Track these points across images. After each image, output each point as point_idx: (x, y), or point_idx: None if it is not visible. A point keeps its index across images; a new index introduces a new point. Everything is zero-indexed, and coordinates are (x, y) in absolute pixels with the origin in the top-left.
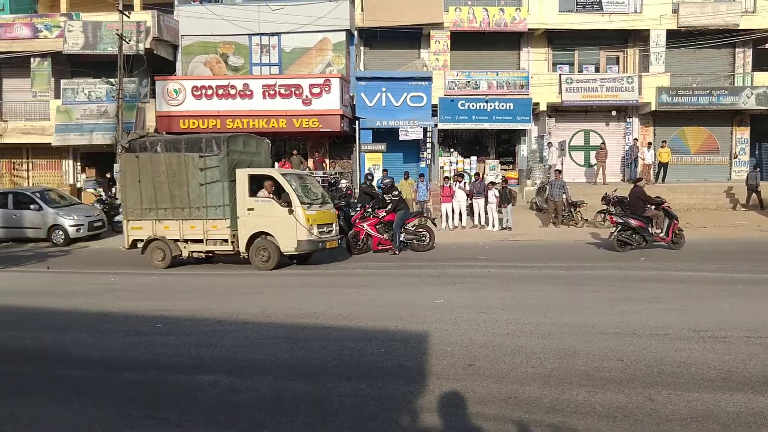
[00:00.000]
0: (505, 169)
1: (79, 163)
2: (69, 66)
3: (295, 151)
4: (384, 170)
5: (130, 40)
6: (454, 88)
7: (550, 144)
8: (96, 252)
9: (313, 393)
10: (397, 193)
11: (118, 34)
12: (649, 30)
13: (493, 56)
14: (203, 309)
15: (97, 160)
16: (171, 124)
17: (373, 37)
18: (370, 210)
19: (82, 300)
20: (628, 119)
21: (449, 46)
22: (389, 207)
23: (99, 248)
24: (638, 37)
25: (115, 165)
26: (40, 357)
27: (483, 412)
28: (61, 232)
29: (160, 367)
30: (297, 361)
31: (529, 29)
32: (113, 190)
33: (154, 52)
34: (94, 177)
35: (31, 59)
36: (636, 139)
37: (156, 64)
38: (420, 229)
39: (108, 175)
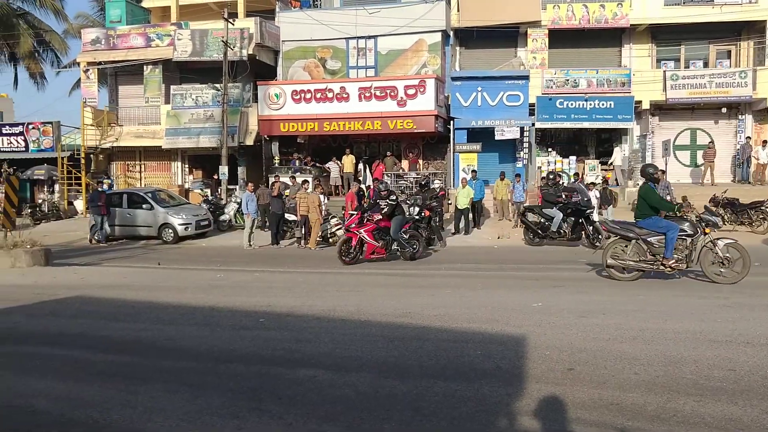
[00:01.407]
0: (606, 170)
1: (186, 165)
2: (178, 73)
3: (389, 153)
4: (473, 171)
5: (234, 47)
6: (552, 87)
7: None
8: (202, 249)
9: (409, 391)
10: (394, 198)
11: (223, 41)
12: (765, 21)
13: (593, 53)
14: (302, 305)
15: (204, 162)
16: (272, 127)
17: (469, 37)
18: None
19: (190, 295)
20: (740, 116)
21: (547, 44)
22: (385, 211)
23: (205, 246)
24: (753, 29)
25: (220, 167)
26: (152, 348)
27: (583, 417)
28: (170, 231)
29: (263, 360)
30: (394, 359)
31: (631, 25)
32: (219, 190)
33: (257, 58)
34: (201, 178)
35: (144, 67)
36: (749, 138)
37: (258, 70)
38: (412, 239)
39: (214, 177)
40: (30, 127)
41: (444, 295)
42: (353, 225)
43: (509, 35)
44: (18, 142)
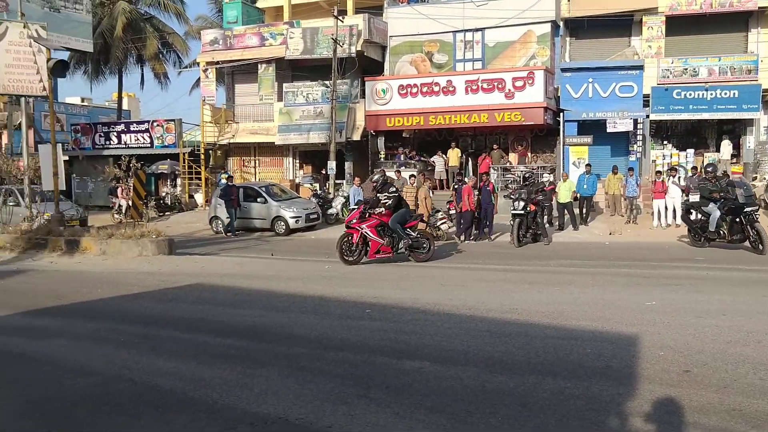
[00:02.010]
0: (734, 163)
1: (297, 160)
2: (290, 71)
3: (495, 146)
4: (587, 165)
5: (343, 44)
6: (668, 77)
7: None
8: (312, 242)
9: (516, 387)
10: (394, 189)
11: (332, 39)
12: None
13: (715, 40)
14: (408, 298)
15: (313, 157)
16: (378, 122)
17: (580, 27)
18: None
19: (301, 284)
20: None
21: (663, 32)
22: (389, 204)
23: (314, 238)
24: None
25: (328, 162)
26: (267, 334)
27: (702, 422)
28: (282, 223)
29: (370, 350)
30: (500, 354)
31: (759, 8)
32: (327, 185)
33: (365, 54)
34: (310, 173)
35: (259, 65)
36: None
37: (365, 66)
38: (419, 237)
39: (323, 172)
40: (155, 124)
41: (552, 291)
42: (354, 221)
43: (623, 24)
44: (144, 139)
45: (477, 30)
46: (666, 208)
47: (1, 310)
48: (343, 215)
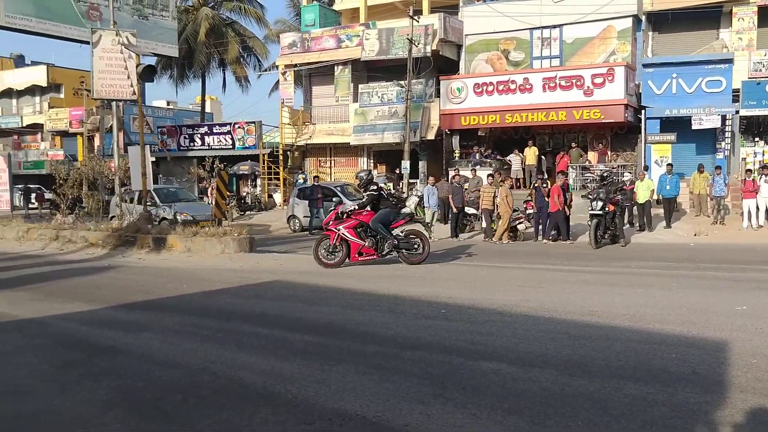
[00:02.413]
0: None
1: (371, 160)
2: (365, 71)
3: (574, 144)
4: (668, 165)
5: (418, 44)
6: (760, 70)
7: None
8: None
9: (597, 391)
10: (375, 188)
11: (408, 39)
12: None
13: None
14: (484, 299)
15: (387, 157)
16: (453, 121)
17: (663, 21)
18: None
19: (375, 283)
20: None
21: (756, 23)
22: (362, 202)
23: None
24: None
25: (402, 162)
26: (343, 331)
27: None
28: None
29: (446, 350)
30: (579, 358)
31: None
32: (401, 184)
33: (440, 53)
34: (384, 172)
35: (335, 67)
36: None
37: (441, 65)
38: (411, 236)
39: (396, 171)
40: (236, 126)
41: (634, 294)
42: (330, 222)
43: (710, 15)
44: (226, 140)
45: (555, 27)
46: (757, 208)
47: (93, 304)
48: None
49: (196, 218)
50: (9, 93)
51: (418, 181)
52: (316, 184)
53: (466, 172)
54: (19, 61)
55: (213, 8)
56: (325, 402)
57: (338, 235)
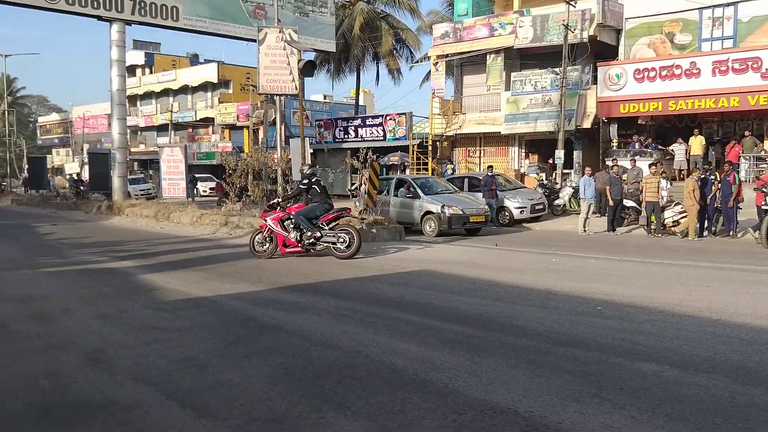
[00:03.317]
0: None
1: (523, 150)
2: (518, 60)
3: (747, 132)
4: None
5: (574, 29)
6: None
7: None
8: (537, 233)
9: None
10: (306, 181)
11: (563, 25)
12: None
13: None
14: (643, 297)
15: (539, 146)
16: (611, 109)
17: None
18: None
19: (526, 276)
20: None
21: None
22: (288, 194)
23: (539, 230)
24: None
25: (556, 151)
26: (492, 323)
27: None
28: (506, 213)
29: (602, 348)
30: (754, 365)
31: None
32: (553, 175)
33: (597, 39)
34: (536, 162)
35: (487, 56)
36: None
37: (598, 51)
38: (341, 231)
39: (549, 161)
40: (387, 118)
41: None
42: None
43: None
44: (377, 132)
45: (728, 4)
46: None
47: (258, 285)
48: (571, 206)
49: (466, 212)
50: (185, 89)
51: (572, 171)
52: (489, 174)
53: (625, 163)
54: (194, 60)
55: (368, 2)
56: (476, 393)
57: (266, 226)
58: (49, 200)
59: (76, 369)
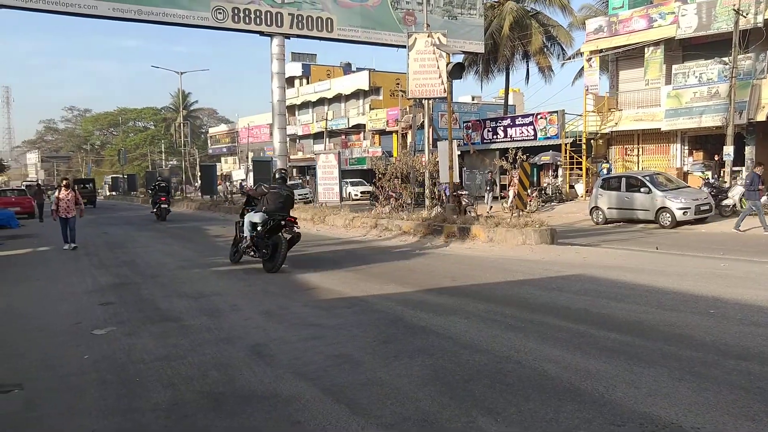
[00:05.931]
0: None
1: (686, 147)
2: (680, 51)
3: None
4: None
5: (747, 14)
6: None
7: None
8: (702, 235)
9: None
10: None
11: (734, 10)
12: None
13: None
14: None
15: (705, 142)
16: None
17: None
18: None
19: (690, 282)
20: None
21: None
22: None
23: (705, 232)
24: None
25: (724, 147)
26: (653, 332)
27: None
28: (667, 215)
29: None
30: None
31: None
32: (721, 172)
33: None
34: (701, 160)
35: (645, 49)
36: None
37: None
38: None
39: (716, 158)
40: (538, 117)
41: None
42: None
43: None
44: (527, 131)
45: None
46: None
47: (407, 287)
48: (741, 207)
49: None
50: (338, 98)
51: (743, 168)
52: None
53: None
54: (347, 69)
55: (517, 1)
56: (635, 405)
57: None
58: (218, 204)
59: (242, 362)
